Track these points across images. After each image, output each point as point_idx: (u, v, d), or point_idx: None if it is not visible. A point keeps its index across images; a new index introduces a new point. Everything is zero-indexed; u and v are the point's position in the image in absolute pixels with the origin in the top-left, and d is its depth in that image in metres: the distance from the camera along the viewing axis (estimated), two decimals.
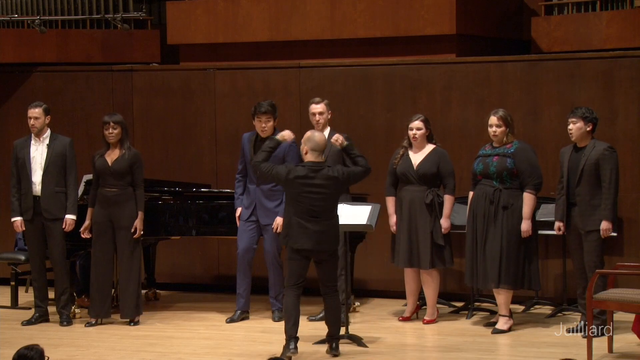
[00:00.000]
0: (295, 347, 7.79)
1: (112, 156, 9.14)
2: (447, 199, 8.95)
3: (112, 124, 9.13)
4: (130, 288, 9.14)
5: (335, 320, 7.92)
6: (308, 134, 7.98)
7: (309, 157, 7.89)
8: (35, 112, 9.20)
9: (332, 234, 7.84)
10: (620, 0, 10.56)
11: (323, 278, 7.90)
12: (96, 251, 9.18)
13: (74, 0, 11.38)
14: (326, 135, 9.16)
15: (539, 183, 8.67)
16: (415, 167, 8.96)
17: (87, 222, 9.19)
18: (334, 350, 7.92)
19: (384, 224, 9.16)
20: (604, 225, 8.27)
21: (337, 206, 7.93)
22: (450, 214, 8.96)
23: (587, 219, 8.35)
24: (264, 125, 9.13)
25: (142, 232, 9.12)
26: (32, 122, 9.20)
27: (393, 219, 9.08)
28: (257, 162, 7.99)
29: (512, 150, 8.67)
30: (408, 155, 9.04)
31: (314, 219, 7.75)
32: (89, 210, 9.20)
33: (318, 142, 7.90)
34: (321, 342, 8.20)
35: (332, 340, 7.93)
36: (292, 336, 7.80)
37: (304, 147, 7.95)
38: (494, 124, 8.72)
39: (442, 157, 8.99)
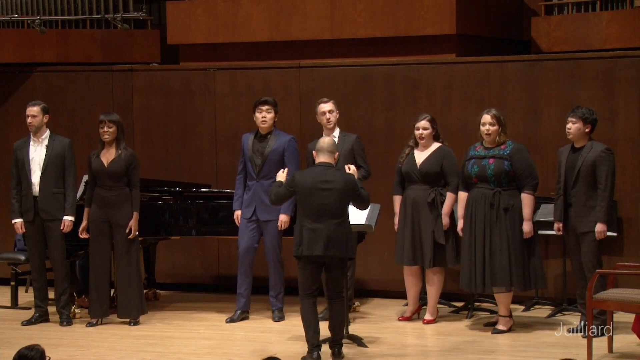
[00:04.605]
0: (319, 356, 7.68)
1: (108, 157, 9.11)
2: (449, 197, 8.94)
3: (107, 122, 9.11)
4: (130, 288, 9.13)
5: (339, 325, 7.85)
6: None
7: (319, 159, 7.88)
8: (33, 110, 9.19)
9: (343, 240, 7.69)
10: (620, 0, 10.56)
11: (331, 284, 7.82)
12: (93, 251, 9.17)
13: (74, 0, 11.38)
14: (336, 137, 9.14)
15: (536, 183, 8.65)
16: (418, 166, 8.97)
17: (84, 223, 9.19)
18: (336, 356, 7.83)
19: (384, 224, 9.15)
20: (599, 227, 8.25)
21: (347, 211, 7.80)
22: (450, 211, 8.95)
23: (583, 220, 8.34)
24: (264, 115, 9.14)
25: (137, 233, 9.11)
26: (29, 119, 9.19)
27: (397, 218, 9.09)
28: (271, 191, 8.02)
29: (507, 151, 8.63)
30: (413, 154, 9.05)
31: (323, 219, 7.63)
32: (86, 211, 9.20)
33: (321, 143, 7.91)
34: (322, 342, 8.21)
35: (335, 345, 7.84)
36: (314, 345, 7.70)
37: (313, 152, 8.03)
38: (487, 122, 8.69)
39: (445, 155, 8.98)
